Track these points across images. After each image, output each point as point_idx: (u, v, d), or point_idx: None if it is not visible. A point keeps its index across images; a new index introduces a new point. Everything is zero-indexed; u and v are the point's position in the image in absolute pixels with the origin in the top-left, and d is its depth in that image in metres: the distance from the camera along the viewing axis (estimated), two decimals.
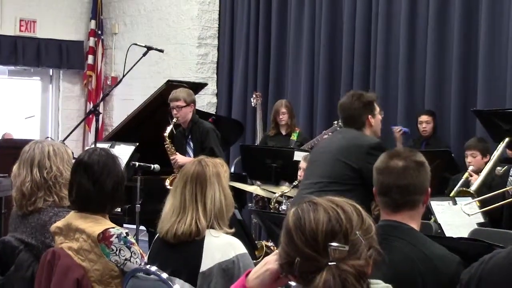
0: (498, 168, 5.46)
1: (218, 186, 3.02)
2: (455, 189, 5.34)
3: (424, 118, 6.90)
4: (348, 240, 1.70)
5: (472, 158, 5.72)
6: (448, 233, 4.15)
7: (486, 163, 5.39)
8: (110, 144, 6.02)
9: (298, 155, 6.00)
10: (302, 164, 5.34)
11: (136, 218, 5.91)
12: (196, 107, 6.44)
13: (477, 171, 5.47)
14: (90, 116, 8.50)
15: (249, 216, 7.14)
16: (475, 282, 2.15)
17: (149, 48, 6.12)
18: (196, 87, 7.11)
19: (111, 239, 3.07)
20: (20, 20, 9.49)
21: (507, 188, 5.02)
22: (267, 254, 4.96)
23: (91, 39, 9.97)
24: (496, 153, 5.07)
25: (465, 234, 4.03)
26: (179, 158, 6.18)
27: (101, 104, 9.21)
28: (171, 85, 6.63)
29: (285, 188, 5.92)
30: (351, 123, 4.22)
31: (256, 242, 5.02)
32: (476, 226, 4.29)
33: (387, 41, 7.45)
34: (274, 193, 5.97)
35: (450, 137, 6.97)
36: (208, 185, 3.00)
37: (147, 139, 6.33)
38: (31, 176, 3.42)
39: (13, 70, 9.82)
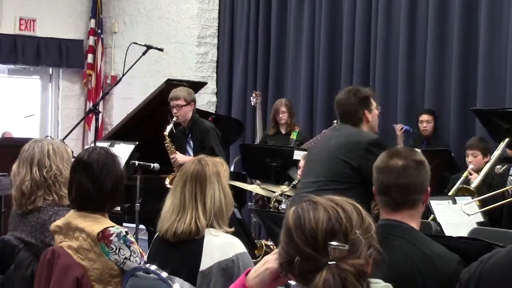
0: (498, 167, 5.46)
1: (218, 185, 3.02)
2: (455, 186, 5.35)
3: (424, 117, 6.90)
4: (348, 239, 1.70)
5: (473, 158, 5.72)
6: (447, 232, 4.15)
7: (486, 163, 5.40)
8: (109, 143, 6.01)
9: (298, 154, 6.00)
10: (302, 163, 5.34)
11: (136, 217, 5.90)
12: (196, 106, 6.43)
13: (477, 171, 5.48)
14: (90, 115, 8.48)
15: (248, 215, 7.14)
16: (475, 281, 2.15)
17: (149, 47, 6.11)
18: (196, 86, 7.11)
19: (110, 238, 3.07)
20: (20, 19, 9.49)
21: (507, 187, 5.03)
22: (266, 253, 4.95)
23: (91, 38, 9.97)
24: (496, 153, 5.07)
25: (464, 233, 4.02)
26: (179, 157, 6.18)
27: (101, 103, 9.20)
28: (171, 84, 6.63)
29: (284, 187, 5.92)
30: (348, 118, 4.22)
31: (255, 241, 5.02)
32: (475, 226, 4.29)
33: (387, 39, 7.46)
34: (274, 192, 5.96)
35: (450, 136, 6.98)
36: (208, 184, 3.01)
37: (146, 138, 6.33)
38: (30, 175, 3.42)
39: (12, 69, 9.81)
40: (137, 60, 5.99)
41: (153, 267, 2.93)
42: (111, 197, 3.17)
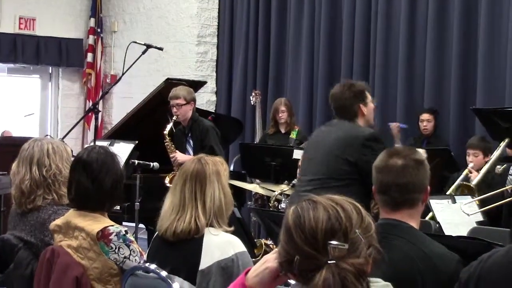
0: (498, 166, 5.47)
1: (217, 184, 3.02)
2: (456, 183, 5.35)
3: (425, 116, 6.90)
4: (347, 239, 1.70)
5: (474, 158, 5.72)
6: (447, 232, 4.15)
7: (487, 162, 5.41)
8: (109, 142, 6.02)
9: (298, 153, 5.99)
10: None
11: (135, 216, 5.90)
12: (196, 105, 6.43)
13: (478, 170, 5.49)
14: (90, 114, 8.49)
15: (248, 215, 7.15)
16: (474, 280, 2.15)
17: (149, 46, 6.11)
18: (196, 85, 7.11)
19: (110, 237, 3.07)
20: (20, 18, 9.49)
21: (507, 187, 5.03)
22: (266, 252, 4.95)
23: (91, 37, 9.97)
24: (496, 152, 5.08)
25: (464, 232, 4.03)
26: (179, 156, 6.18)
27: (101, 102, 9.21)
28: (171, 83, 6.63)
29: (284, 187, 5.92)
30: (343, 113, 4.23)
31: (255, 240, 5.02)
32: (475, 225, 4.29)
33: (386, 39, 7.46)
34: (274, 191, 5.97)
35: (449, 135, 6.98)
36: (207, 183, 3.01)
37: (146, 137, 6.33)
38: (30, 174, 3.42)
39: (12, 68, 9.81)
40: (137, 59, 5.98)
41: (153, 266, 2.93)
42: (111, 196, 3.17)
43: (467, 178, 5.49)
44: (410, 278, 2.46)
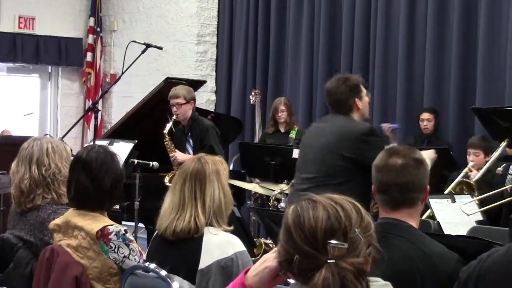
0: (499, 168, 5.48)
1: (217, 183, 3.02)
2: (456, 180, 5.36)
3: (425, 115, 6.89)
4: (347, 238, 1.70)
5: (475, 157, 5.72)
6: (447, 231, 4.15)
7: (487, 162, 5.41)
8: (109, 142, 6.02)
9: (297, 153, 5.98)
10: None
11: (135, 216, 5.90)
12: (195, 105, 6.43)
13: (478, 169, 5.49)
14: (89, 113, 8.51)
15: (248, 214, 7.15)
16: (473, 280, 2.15)
17: (148, 46, 6.11)
18: (195, 84, 7.11)
19: (109, 237, 3.07)
20: (19, 17, 9.49)
21: (506, 187, 5.03)
22: (266, 251, 4.95)
23: (90, 36, 9.97)
24: (496, 153, 5.08)
25: (463, 231, 4.03)
26: (179, 155, 6.18)
27: (100, 101, 9.21)
28: (170, 82, 6.63)
29: (283, 186, 5.92)
30: (338, 107, 4.23)
31: (255, 239, 5.02)
32: (474, 224, 4.29)
33: (386, 38, 7.45)
34: (273, 190, 5.97)
35: (449, 135, 6.98)
36: (207, 182, 3.01)
37: (146, 136, 6.33)
38: (29, 173, 3.42)
39: (11, 67, 9.81)
40: (136, 59, 5.98)
41: (152, 266, 2.93)
42: (110, 196, 3.17)
43: (467, 177, 5.50)
44: (410, 277, 2.46)
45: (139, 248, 3.16)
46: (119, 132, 6.76)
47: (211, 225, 2.99)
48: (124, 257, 3.07)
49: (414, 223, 2.63)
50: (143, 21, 9.58)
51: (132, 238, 3.14)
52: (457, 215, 4.33)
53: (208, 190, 3.00)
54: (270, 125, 7.46)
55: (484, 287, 2.11)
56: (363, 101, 4.26)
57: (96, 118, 5.96)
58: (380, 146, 4.11)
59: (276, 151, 6.39)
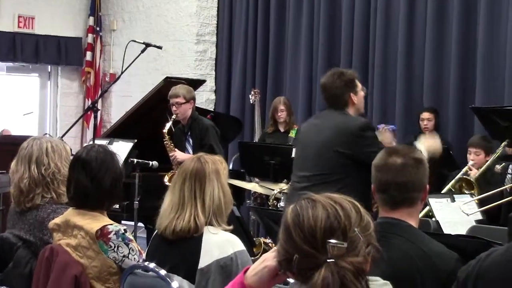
0: (497, 166, 5.48)
1: (217, 183, 3.02)
2: (456, 177, 5.36)
3: (425, 115, 6.88)
4: (346, 237, 1.70)
5: (475, 156, 5.72)
6: (446, 230, 4.15)
7: (487, 161, 5.42)
8: (108, 141, 6.01)
9: None
10: None
11: (135, 215, 5.90)
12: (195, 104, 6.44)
13: (478, 168, 5.50)
14: (89, 112, 8.50)
15: (247, 213, 7.15)
16: (472, 279, 2.15)
17: (148, 45, 6.11)
18: (195, 84, 7.11)
19: (109, 236, 3.07)
20: (19, 16, 9.48)
21: (506, 186, 5.04)
22: (265, 251, 4.96)
23: (90, 35, 9.97)
24: (496, 153, 5.09)
25: (463, 231, 4.03)
26: (178, 154, 6.18)
27: (100, 100, 9.20)
28: (170, 82, 6.63)
29: (283, 185, 5.92)
30: (334, 102, 4.23)
31: (254, 239, 5.02)
32: (474, 223, 4.29)
33: (385, 37, 7.45)
34: (273, 190, 5.97)
35: (448, 134, 6.98)
36: (207, 182, 3.01)
37: (145, 135, 6.33)
38: (29, 172, 3.42)
39: (11, 66, 9.81)
40: (136, 58, 5.98)
41: (152, 265, 2.93)
42: (110, 195, 3.17)
43: (466, 175, 5.50)
44: (409, 277, 2.46)
45: (139, 247, 3.16)
46: (119, 131, 6.76)
47: (210, 224, 2.99)
48: (124, 256, 3.07)
49: (413, 223, 2.63)
50: (143, 20, 9.57)
51: (131, 237, 3.14)
52: (456, 214, 4.33)
53: (208, 190, 3.00)
54: (269, 125, 7.46)
55: (483, 286, 2.11)
56: (358, 96, 4.26)
57: (95, 117, 5.96)
58: (376, 141, 4.11)
59: (276, 151, 6.39)
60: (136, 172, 5.92)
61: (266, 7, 8.59)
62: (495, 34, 6.70)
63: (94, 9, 9.95)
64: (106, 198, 3.17)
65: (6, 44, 9.30)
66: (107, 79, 9.90)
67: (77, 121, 6.52)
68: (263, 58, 8.59)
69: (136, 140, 6.05)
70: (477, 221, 4.37)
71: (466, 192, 5.17)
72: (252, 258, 3.21)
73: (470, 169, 5.56)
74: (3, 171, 5.36)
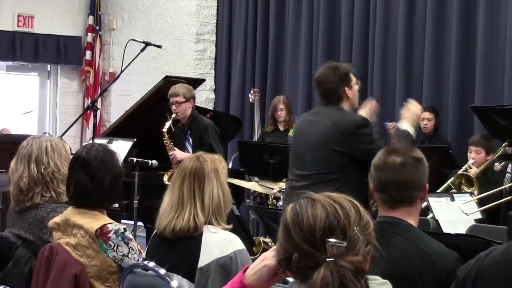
0: (496, 164, 5.48)
1: (216, 182, 3.02)
2: (456, 175, 5.37)
3: (425, 115, 6.87)
4: (346, 236, 1.70)
5: (476, 155, 5.72)
6: (446, 229, 4.15)
7: (488, 160, 5.42)
8: (108, 140, 6.01)
9: None
10: None
11: (134, 214, 5.91)
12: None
13: (478, 167, 5.50)
14: (88, 111, 8.50)
15: (247, 212, 7.15)
16: (472, 279, 2.14)
17: (147, 44, 6.11)
18: (194, 83, 7.11)
19: (109, 235, 3.07)
20: (18, 16, 9.48)
21: (505, 186, 5.04)
22: (264, 250, 4.96)
23: (89, 34, 9.96)
24: (497, 154, 5.10)
25: (462, 230, 4.03)
26: (178, 153, 6.18)
27: (99, 99, 9.21)
28: (169, 81, 6.63)
29: (282, 184, 5.92)
30: (328, 96, 4.21)
31: (254, 238, 5.03)
32: (473, 223, 4.29)
33: (385, 37, 7.45)
34: (272, 189, 5.97)
35: (448, 134, 6.98)
36: (206, 181, 3.00)
37: (145, 134, 6.33)
38: (28, 171, 3.42)
39: (11, 65, 9.80)
40: (135, 57, 5.98)
41: (151, 264, 2.93)
42: (109, 194, 3.17)
43: (466, 171, 5.51)
44: (409, 276, 2.46)
45: (138, 246, 3.16)
46: (118, 130, 6.76)
47: (210, 223, 2.99)
48: (123, 255, 3.07)
49: (413, 222, 2.63)
50: (142, 19, 9.57)
51: (131, 236, 3.14)
52: (456, 213, 4.33)
53: (207, 189, 3.00)
54: (269, 124, 7.46)
55: (483, 285, 2.11)
56: (353, 90, 4.23)
57: (95, 116, 5.97)
58: (371, 139, 4.09)
59: (275, 150, 6.39)
60: (136, 171, 5.93)
61: (266, 6, 8.59)
62: (494, 33, 6.70)
63: (94, 8, 9.95)
64: (106, 197, 3.17)
65: (6, 43, 9.29)
66: (106, 78, 9.90)
67: (76, 120, 6.53)
68: (263, 57, 8.59)
69: (135, 139, 6.05)
70: (477, 220, 4.37)
71: (466, 189, 5.17)
72: (252, 257, 3.21)
73: (470, 167, 5.57)
74: (2, 170, 5.35)
